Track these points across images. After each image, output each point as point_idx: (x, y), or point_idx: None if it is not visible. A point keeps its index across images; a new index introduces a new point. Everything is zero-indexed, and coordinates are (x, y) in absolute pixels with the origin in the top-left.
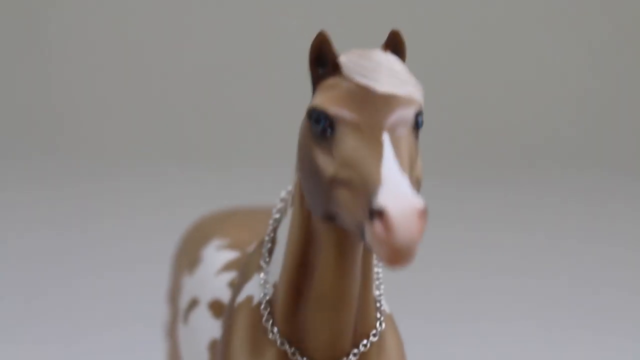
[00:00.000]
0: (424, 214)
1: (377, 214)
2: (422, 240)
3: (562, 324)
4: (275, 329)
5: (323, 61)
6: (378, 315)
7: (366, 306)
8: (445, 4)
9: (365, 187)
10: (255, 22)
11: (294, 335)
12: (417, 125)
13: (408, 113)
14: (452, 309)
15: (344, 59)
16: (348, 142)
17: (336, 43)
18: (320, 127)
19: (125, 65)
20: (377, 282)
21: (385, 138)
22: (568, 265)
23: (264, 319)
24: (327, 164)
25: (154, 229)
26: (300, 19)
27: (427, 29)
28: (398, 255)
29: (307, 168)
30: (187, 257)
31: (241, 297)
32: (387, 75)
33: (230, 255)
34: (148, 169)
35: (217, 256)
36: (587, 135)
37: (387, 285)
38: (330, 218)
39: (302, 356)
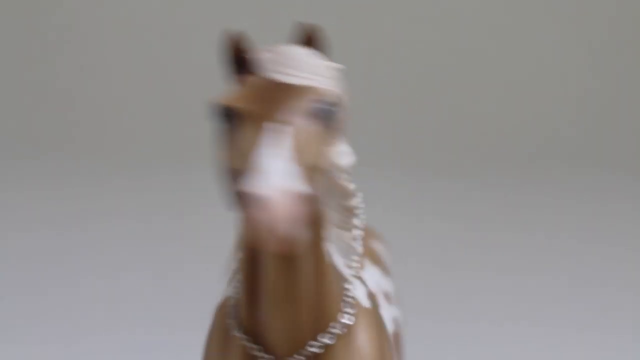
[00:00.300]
0: (298, 197)
1: (252, 199)
2: (297, 224)
3: (562, 324)
4: (239, 326)
5: (237, 60)
6: (344, 308)
7: (323, 300)
8: (447, 3)
9: (247, 176)
10: (255, 22)
11: (255, 331)
12: (320, 115)
13: (306, 103)
14: (452, 308)
15: (256, 56)
16: (241, 134)
17: (335, 41)
18: (220, 121)
19: (127, 66)
20: (349, 276)
21: (277, 127)
22: (568, 265)
23: (231, 316)
24: (227, 157)
25: (155, 230)
26: (300, 18)
27: (427, 28)
28: (270, 239)
29: (219, 164)
30: None
31: (221, 298)
32: (295, 67)
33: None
34: (149, 169)
35: None
36: (587, 135)
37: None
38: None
39: (265, 352)
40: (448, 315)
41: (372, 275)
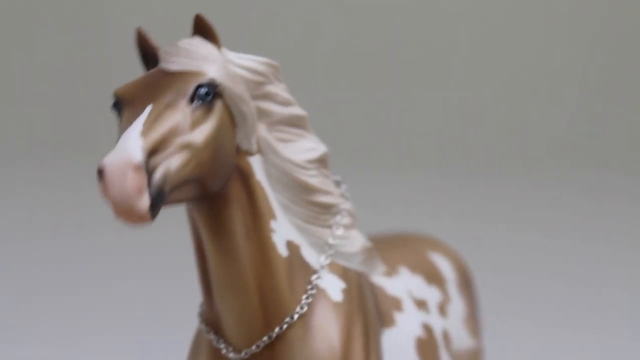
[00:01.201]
0: (138, 168)
1: (99, 173)
2: (141, 194)
3: (560, 322)
4: (204, 321)
5: (148, 56)
6: (303, 298)
7: (274, 290)
8: (451, 4)
9: None
10: (256, 22)
11: (214, 323)
12: (198, 96)
13: (187, 86)
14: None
15: (159, 50)
16: (123, 119)
17: (343, 41)
18: (115, 109)
19: (128, 66)
20: (319, 269)
21: (148, 108)
22: (567, 264)
23: (199, 320)
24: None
25: (156, 231)
26: (300, 18)
27: (428, 28)
28: (120, 208)
29: None
30: None
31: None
32: (182, 56)
33: None
34: None
35: None
36: (587, 134)
37: None
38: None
39: (224, 343)
40: None
41: (404, 283)
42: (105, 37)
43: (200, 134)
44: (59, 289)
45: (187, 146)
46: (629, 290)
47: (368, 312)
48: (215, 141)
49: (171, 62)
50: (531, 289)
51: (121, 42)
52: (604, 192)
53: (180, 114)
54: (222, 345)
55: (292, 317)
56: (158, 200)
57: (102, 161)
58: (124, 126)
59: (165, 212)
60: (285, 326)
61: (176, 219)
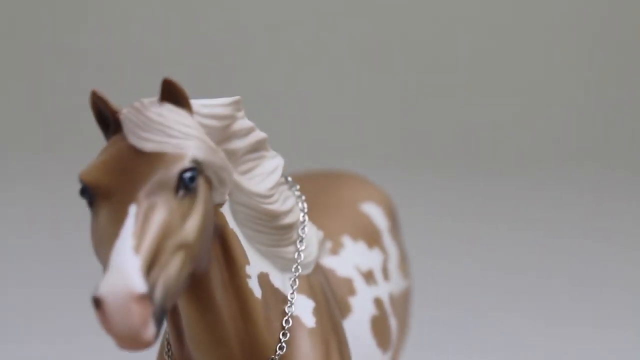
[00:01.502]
0: (143, 299)
1: (97, 303)
2: (147, 325)
3: (562, 322)
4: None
5: (106, 119)
6: (281, 336)
7: (253, 335)
8: (448, 4)
9: (103, 269)
10: (256, 22)
11: None
12: (184, 184)
13: (169, 174)
14: (452, 306)
15: (122, 115)
16: (101, 216)
17: (342, 42)
18: (85, 198)
19: (128, 66)
20: (290, 296)
21: (132, 211)
22: (568, 264)
23: (165, 350)
24: (92, 239)
25: None
26: (299, 17)
27: (427, 28)
28: (124, 341)
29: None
30: None
31: (162, 332)
32: (156, 131)
33: None
34: None
35: None
36: (587, 133)
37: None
38: None
39: None
40: (449, 312)
41: (351, 257)
42: (88, 31)
43: (191, 228)
44: (55, 287)
45: (180, 246)
46: (633, 290)
47: (337, 323)
48: (203, 227)
49: (143, 140)
50: (533, 288)
51: (105, 36)
52: (607, 192)
53: (168, 211)
54: None
55: (273, 359)
56: (161, 320)
57: (99, 291)
58: (104, 230)
59: None
60: None
61: None
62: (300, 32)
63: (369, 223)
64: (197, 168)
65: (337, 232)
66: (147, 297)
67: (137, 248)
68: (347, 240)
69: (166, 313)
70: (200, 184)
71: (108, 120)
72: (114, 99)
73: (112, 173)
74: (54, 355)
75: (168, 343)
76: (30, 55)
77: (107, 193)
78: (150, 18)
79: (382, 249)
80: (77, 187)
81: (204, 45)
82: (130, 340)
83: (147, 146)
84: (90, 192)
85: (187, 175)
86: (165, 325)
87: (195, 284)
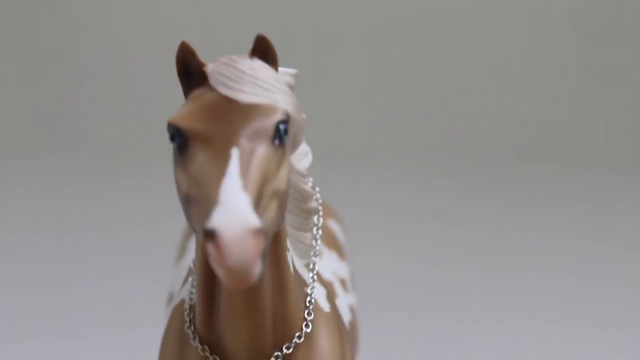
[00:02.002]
0: (258, 233)
1: (210, 235)
2: (257, 260)
3: (561, 323)
4: (196, 335)
5: (190, 71)
6: (305, 315)
7: (284, 309)
8: (448, 4)
9: (205, 207)
10: (256, 21)
11: (213, 341)
12: (279, 134)
13: (267, 123)
14: (449, 307)
15: (209, 69)
16: (198, 159)
17: (335, 40)
18: (176, 143)
19: (129, 65)
20: (310, 280)
21: (234, 153)
22: (567, 264)
23: (186, 325)
24: (182, 181)
25: (156, 230)
26: (299, 18)
27: (426, 28)
28: (234, 277)
29: (175, 184)
30: (179, 247)
31: (176, 300)
32: (250, 84)
33: None
34: (152, 169)
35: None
36: (586, 134)
37: (383, 285)
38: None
39: None
40: (446, 314)
41: (329, 263)
42: (88, 31)
43: (283, 177)
44: (60, 289)
45: (276, 193)
46: (632, 290)
47: (340, 313)
48: (290, 180)
49: (238, 91)
50: (531, 289)
51: (104, 36)
52: (606, 193)
53: (267, 157)
54: None
55: (299, 337)
56: (264, 261)
57: (213, 223)
58: (205, 171)
59: (166, 213)
60: (292, 346)
61: (177, 220)
62: (294, 33)
63: (335, 238)
64: (289, 122)
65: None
66: (262, 231)
67: (245, 187)
68: (324, 248)
69: (266, 256)
70: (288, 139)
71: (192, 72)
72: (113, 99)
73: (208, 119)
74: (53, 355)
75: (190, 317)
76: (30, 54)
77: (204, 137)
78: (150, 18)
79: (348, 263)
80: (78, 187)
81: (204, 45)
82: (241, 275)
83: (243, 97)
84: (184, 137)
85: (283, 127)
86: (189, 298)
87: None
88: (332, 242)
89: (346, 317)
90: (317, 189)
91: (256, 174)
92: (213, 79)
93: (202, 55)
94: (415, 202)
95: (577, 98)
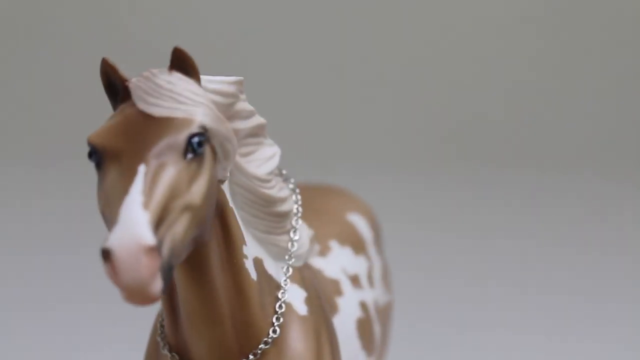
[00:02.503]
0: (152, 251)
1: (105, 255)
2: (155, 278)
3: (561, 323)
4: (167, 344)
5: (115, 87)
6: (274, 320)
7: (247, 316)
8: (447, 4)
9: (110, 225)
10: (256, 21)
11: (180, 349)
12: (192, 148)
13: (179, 138)
14: (450, 307)
15: (132, 84)
16: (110, 176)
17: (338, 42)
18: (93, 160)
19: (128, 64)
20: (283, 283)
21: (141, 170)
22: (567, 265)
23: (158, 333)
24: (99, 199)
25: None
26: (293, 18)
27: (427, 29)
28: (131, 294)
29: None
30: None
31: (158, 310)
32: (167, 97)
33: None
34: None
35: None
36: (588, 137)
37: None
38: None
39: None
40: (447, 313)
41: (338, 260)
42: (88, 31)
43: (197, 191)
44: (60, 289)
45: (187, 208)
46: (632, 291)
47: (327, 316)
48: (209, 193)
49: (153, 105)
50: (531, 289)
51: (104, 36)
52: (606, 196)
53: (176, 172)
54: None
55: (266, 343)
56: (168, 277)
57: (108, 243)
58: (113, 189)
59: None
60: (259, 352)
61: None
62: (291, 34)
63: (355, 232)
64: (205, 134)
65: (325, 237)
66: (156, 249)
67: (146, 204)
68: (334, 245)
69: (172, 272)
70: (207, 151)
71: (117, 88)
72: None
73: (122, 136)
74: (54, 356)
75: (161, 325)
76: (30, 53)
77: (116, 155)
78: (149, 18)
79: (367, 257)
80: (79, 188)
81: (205, 44)
82: (138, 293)
83: (157, 111)
84: (98, 154)
85: (196, 140)
86: (159, 306)
87: (194, 258)
88: (348, 237)
89: (354, 314)
90: (297, 191)
91: (161, 190)
92: (134, 93)
93: (158, 65)
94: (415, 202)
95: (578, 100)
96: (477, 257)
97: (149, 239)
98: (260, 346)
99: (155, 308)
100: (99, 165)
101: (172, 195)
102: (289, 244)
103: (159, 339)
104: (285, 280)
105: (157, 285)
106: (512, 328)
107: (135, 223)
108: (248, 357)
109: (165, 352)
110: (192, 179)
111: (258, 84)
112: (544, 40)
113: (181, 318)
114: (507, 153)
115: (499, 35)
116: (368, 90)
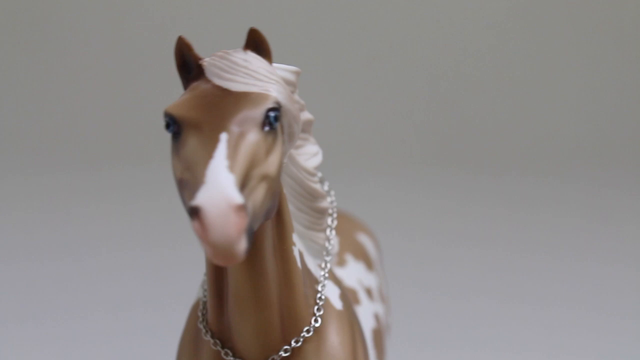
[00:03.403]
0: (240, 210)
1: (194, 212)
2: (242, 237)
3: (560, 323)
4: (209, 330)
5: (188, 65)
6: (315, 311)
7: (292, 303)
8: (448, 4)
9: (194, 189)
10: (256, 20)
11: (224, 335)
12: (269, 121)
13: (257, 110)
14: (450, 305)
15: (205, 62)
16: (189, 144)
17: (339, 40)
18: (170, 130)
19: (130, 64)
20: (321, 278)
21: (223, 137)
22: (567, 262)
23: (199, 320)
24: (176, 167)
25: (156, 230)
26: (298, 17)
27: (428, 29)
28: (218, 252)
29: (172, 171)
30: None
31: (195, 300)
32: (242, 74)
33: None
34: (152, 169)
35: None
36: (588, 132)
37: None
38: None
39: (234, 356)
40: (446, 311)
41: (354, 271)
42: (87, 30)
43: (274, 162)
44: (60, 289)
45: (264, 177)
46: (633, 288)
47: (357, 315)
48: (281, 166)
49: (229, 80)
50: (531, 287)
51: (103, 36)
52: (607, 191)
53: (256, 141)
54: (232, 359)
55: (308, 331)
56: (250, 240)
57: (197, 201)
58: (195, 155)
59: (166, 212)
60: (301, 340)
61: (177, 220)
62: (283, 37)
63: (365, 250)
64: (279, 110)
65: (341, 250)
66: (244, 208)
67: (231, 168)
68: (349, 258)
69: (253, 236)
70: (279, 128)
71: (190, 66)
72: (112, 98)
73: (201, 107)
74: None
75: (202, 312)
76: (29, 54)
77: (196, 124)
78: (149, 17)
79: (377, 275)
80: (79, 189)
81: (205, 44)
82: (225, 251)
83: (234, 86)
84: (177, 124)
85: (273, 114)
86: (202, 293)
87: (253, 243)
88: (360, 253)
89: (369, 324)
90: (333, 192)
91: (243, 156)
92: (208, 71)
93: (198, 50)
94: (415, 200)
95: (578, 96)
96: (471, 264)
97: (238, 198)
98: (302, 334)
99: (155, 322)
100: (176, 135)
101: (253, 163)
102: (326, 242)
103: (200, 326)
104: (323, 275)
105: (243, 244)
106: (506, 342)
107: (224, 183)
108: (290, 344)
109: (208, 338)
110: (268, 151)
111: None
112: (536, 40)
113: (228, 303)
114: (505, 157)
115: (493, 36)
116: (356, 93)
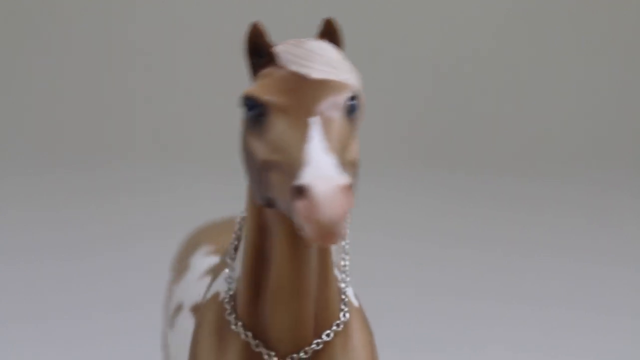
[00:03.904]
0: (347, 190)
1: (301, 192)
2: (345, 217)
3: (563, 323)
4: (239, 322)
5: (259, 52)
6: (342, 306)
7: (327, 297)
8: (448, 4)
9: (291, 168)
10: (256, 19)
11: (256, 326)
12: (350, 109)
13: (339, 98)
14: (449, 305)
15: (279, 49)
16: (277, 127)
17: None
18: (252, 113)
19: (130, 65)
20: (343, 275)
21: (314, 121)
22: (568, 262)
23: (227, 312)
24: (259, 149)
25: (156, 230)
26: (298, 17)
27: (428, 29)
28: (323, 231)
29: (244, 156)
30: (178, 266)
31: (209, 294)
32: (320, 62)
33: (214, 260)
34: (152, 169)
35: (202, 262)
36: (588, 132)
37: (384, 283)
38: (269, 204)
39: (265, 347)
40: (446, 311)
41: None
42: (87, 30)
43: (356, 149)
44: (59, 289)
45: (352, 163)
46: (633, 289)
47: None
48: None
49: (310, 68)
50: (531, 287)
51: (103, 35)
52: (606, 191)
53: (342, 127)
54: (264, 350)
55: (338, 325)
56: (347, 223)
57: (304, 180)
58: (286, 137)
59: (166, 212)
60: (332, 334)
61: (177, 220)
62: (291, 34)
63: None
64: (357, 99)
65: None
66: (351, 189)
67: (329, 149)
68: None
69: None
70: (356, 116)
71: (261, 52)
72: (112, 97)
73: (284, 92)
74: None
75: (231, 304)
76: (29, 53)
77: (282, 108)
78: (147, 18)
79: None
80: (78, 189)
81: (205, 44)
82: (330, 230)
83: (315, 74)
84: (262, 107)
85: (354, 103)
86: (226, 287)
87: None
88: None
89: None
90: None
91: (336, 139)
92: (283, 57)
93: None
94: (416, 200)
95: (579, 96)
96: (470, 265)
97: (345, 178)
98: (333, 328)
99: (150, 322)
100: (259, 117)
101: (342, 147)
102: (343, 242)
103: (230, 318)
104: (345, 273)
105: (344, 226)
106: (506, 343)
107: (330, 163)
108: (321, 337)
109: (239, 329)
110: (351, 137)
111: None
112: (536, 41)
113: (266, 294)
114: (505, 158)
115: (492, 36)
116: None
